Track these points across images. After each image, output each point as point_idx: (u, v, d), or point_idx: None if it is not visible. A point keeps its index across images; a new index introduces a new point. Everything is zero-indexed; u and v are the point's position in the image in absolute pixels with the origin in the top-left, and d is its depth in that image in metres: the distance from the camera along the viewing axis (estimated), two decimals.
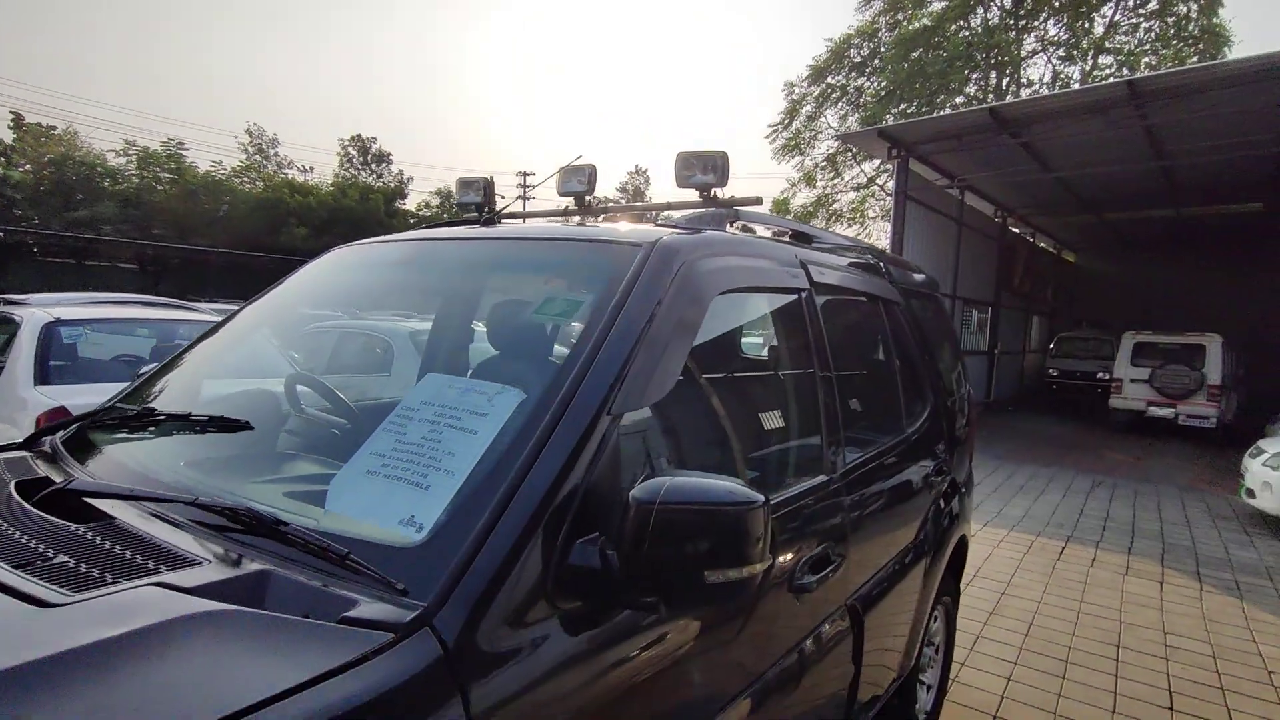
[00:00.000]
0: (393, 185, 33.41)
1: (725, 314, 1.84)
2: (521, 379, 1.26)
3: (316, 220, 24.45)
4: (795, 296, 1.85)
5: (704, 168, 1.84)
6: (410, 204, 33.14)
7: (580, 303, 1.39)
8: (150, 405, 1.56)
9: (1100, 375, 14.72)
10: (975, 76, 22.21)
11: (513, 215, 2.29)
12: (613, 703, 1.06)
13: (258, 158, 32.76)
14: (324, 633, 0.83)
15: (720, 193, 1.91)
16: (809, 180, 25.12)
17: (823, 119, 24.39)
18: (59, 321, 3.98)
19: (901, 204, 11.32)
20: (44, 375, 3.66)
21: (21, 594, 0.83)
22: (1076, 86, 18.35)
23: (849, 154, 22.89)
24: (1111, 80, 12.14)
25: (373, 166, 36.44)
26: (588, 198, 2.13)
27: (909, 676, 2.41)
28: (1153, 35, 20.51)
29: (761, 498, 1.01)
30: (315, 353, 4.74)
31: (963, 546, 3.01)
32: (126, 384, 1.84)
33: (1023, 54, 21.85)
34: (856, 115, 23.39)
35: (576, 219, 2.19)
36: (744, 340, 2.51)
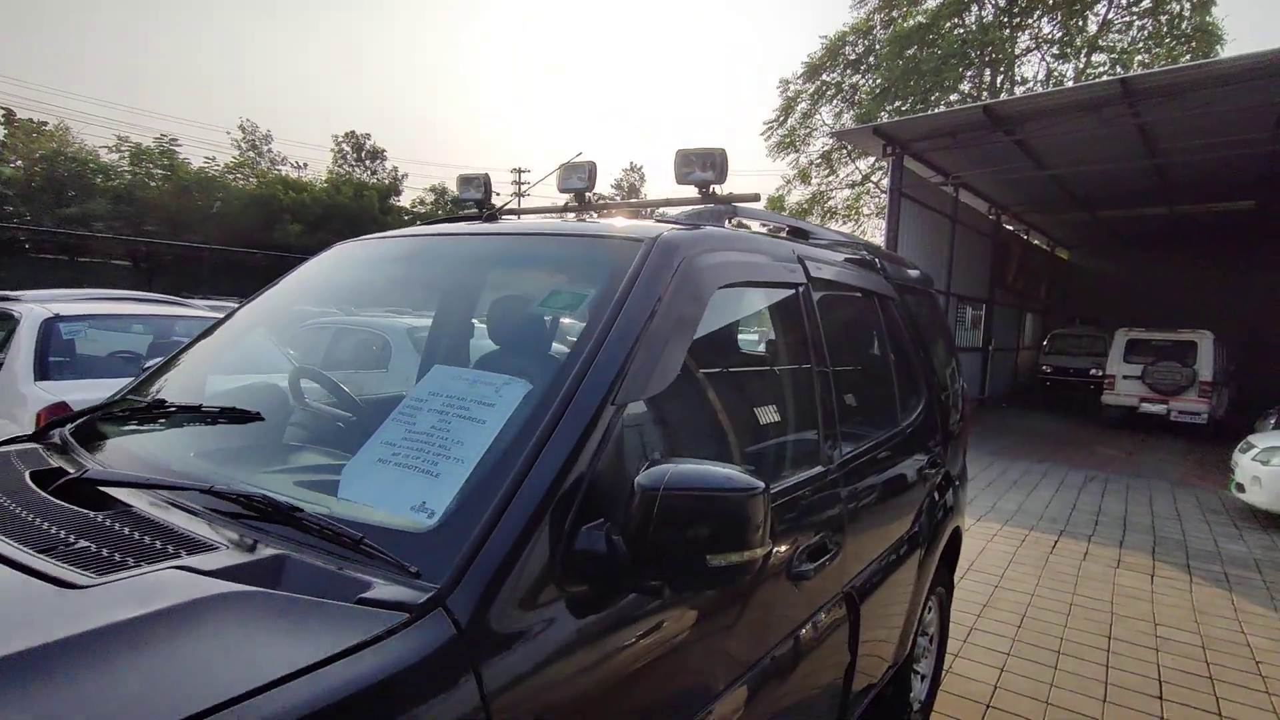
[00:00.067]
0: (387, 182, 33.33)
1: (725, 308, 1.87)
2: (524, 373, 1.28)
3: (310, 217, 24.40)
4: (793, 291, 1.88)
5: (703, 165, 1.87)
6: (405, 200, 33.12)
7: (584, 297, 1.42)
8: (160, 398, 1.58)
9: (1093, 372, 14.81)
10: (969, 74, 22.29)
11: (514, 211, 2.32)
12: (619, 683, 1.09)
13: (251, 154, 32.62)
14: (342, 613, 0.86)
15: (719, 189, 1.94)
16: (804, 177, 25.17)
17: (818, 116, 24.47)
18: (58, 317, 3.98)
19: (896, 201, 11.37)
20: (44, 371, 3.67)
21: (49, 576, 0.86)
22: (1070, 84, 18.42)
23: (844, 151, 22.93)
24: (1105, 78, 12.18)
25: (367, 163, 36.33)
26: (587, 194, 2.16)
27: (904, 665, 2.46)
28: (1146, 33, 20.59)
29: (761, 485, 1.04)
30: (313, 349, 4.75)
31: (957, 538, 3.06)
32: (130, 379, 1.86)
33: (1017, 52, 21.93)
34: (851, 113, 23.44)
35: (575, 215, 2.22)
36: (742, 334, 2.55)
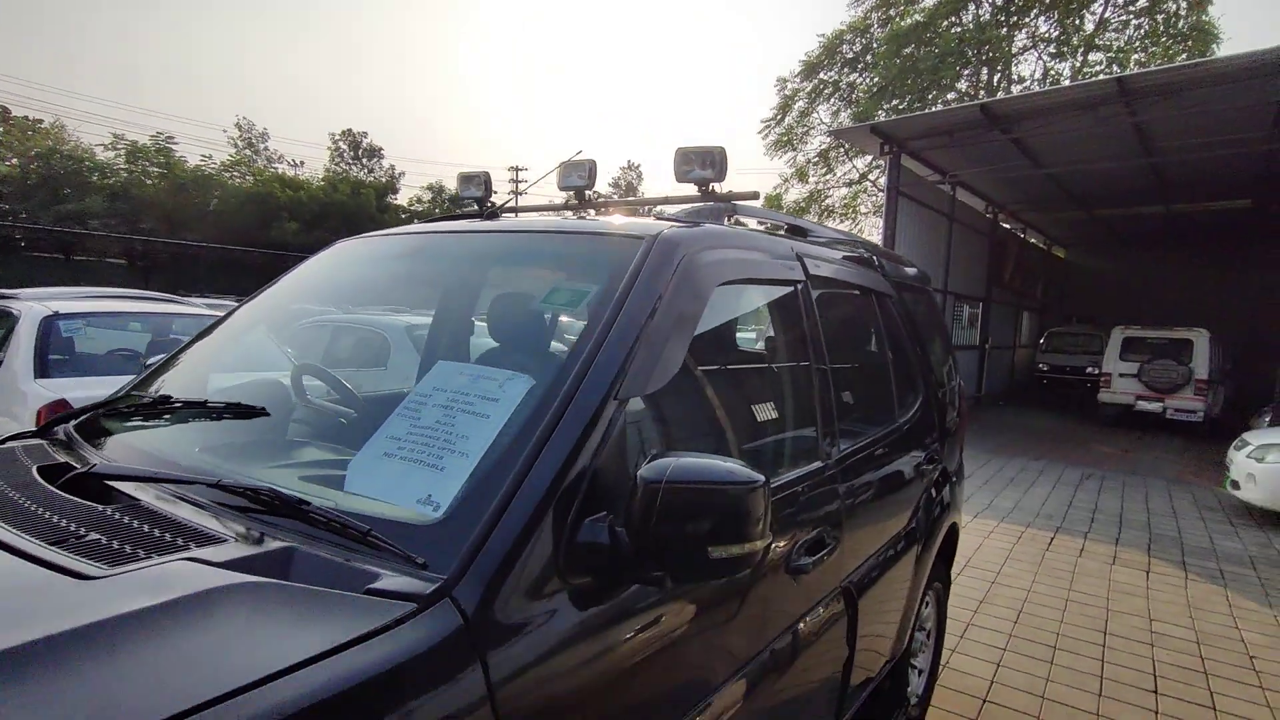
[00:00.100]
0: (384, 180, 33.28)
1: (725, 305, 1.88)
2: (525, 370, 1.30)
3: (307, 215, 24.35)
4: (792, 288, 1.90)
5: (703, 163, 1.89)
6: (402, 199, 33.06)
7: (586, 293, 1.43)
8: (165, 394, 1.59)
9: (1090, 370, 14.88)
10: (967, 73, 22.32)
11: (515, 209, 2.33)
12: (620, 673, 1.11)
13: (247, 152, 32.54)
14: (351, 602, 0.87)
15: (718, 187, 1.95)
16: (801, 176, 25.20)
17: (815, 114, 24.48)
18: (57, 315, 3.99)
19: (894, 200, 11.39)
20: (43, 368, 3.68)
21: (61, 568, 0.87)
22: (1067, 83, 18.45)
23: (841, 150, 22.95)
24: (1101, 77, 12.22)
25: (364, 161, 36.27)
26: (587, 192, 2.17)
27: (901, 660, 2.48)
28: (1142, 32, 20.65)
29: (762, 478, 1.05)
30: (312, 347, 4.76)
31: (953, 534, 3.08)
32: (129, 376, 1.87)
33: (1014, 50, 21.97)
34: (849, 111, 23.46)
35: (575, 213, 2.23)
36: (742, 331, 2.56)
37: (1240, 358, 14.73)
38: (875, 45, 22.93)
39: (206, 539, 0.99)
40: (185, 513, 1.09)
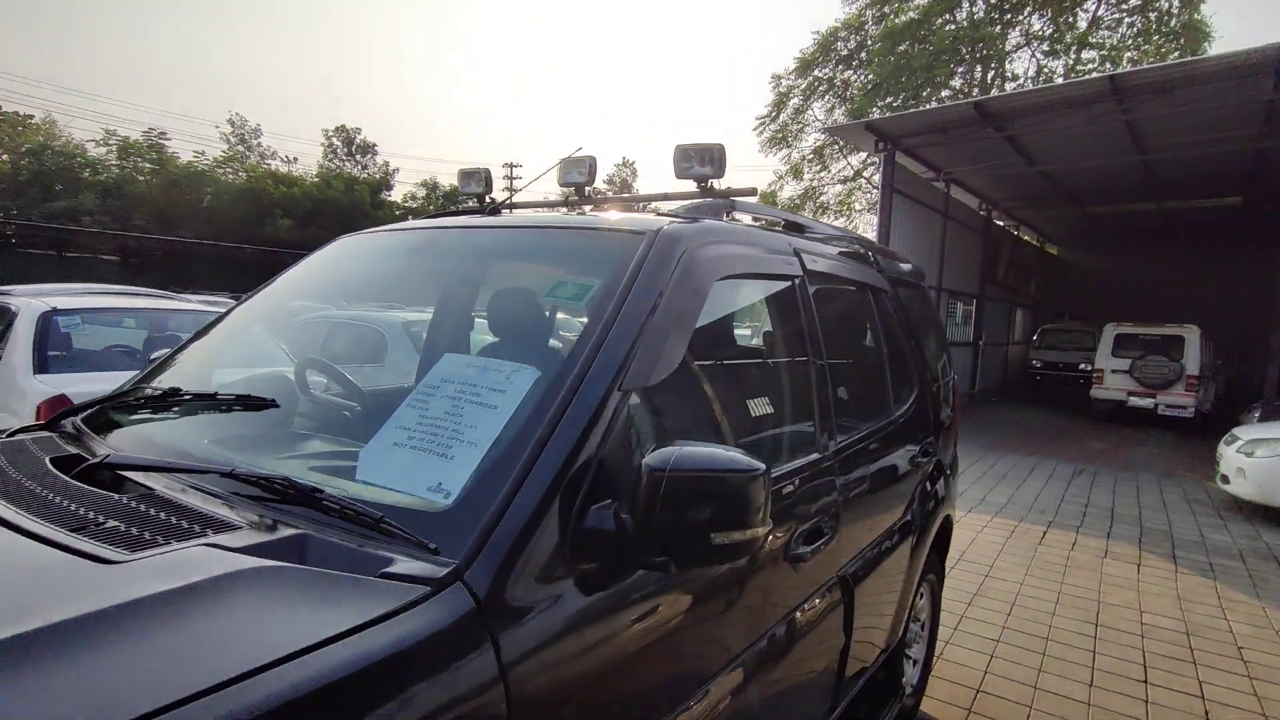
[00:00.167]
0: (378, 176, 33.18)
1: (724, 299, 1.91)
2: (529, 362, 1.32)
3: (301, 211, 24.27)
4: (789, 284, 1.93)
5: (702, 160, 1.91)
6: (396, 195, 32.97)
7: (589, 287, 1.46)
8: (172, 387, 1.61)
9: (1082, 366, 14.99)
10: (961, 70, 22.37)
11: (516, 205, 2.35)
12: (625, 656, 1.13)
13: (240, 148, 32.42)
14: (366, 586, 0.90)
15: (717, 184, 1.98)
16: (796, 173, 25.24)
17: (810, 112, 24.50)
18: (56, 311, 3.99)
19: (888, 197, 11.43)
20: (43, 364, 3.69)
21: (83, 553, 0.90)
22: (1060, 81, 18.54)
23: (836, 147, 23.00)
24: (1094, 75, 12.29)
25: (357, 157, 36.16)
26: (587, 188, 2.20)
27: (896, 650, 2.51)
28: (1135, 30, 20.75)
29: (763, 466, 1.09)
30: (309, 343, 4.76)
31: (948, 526, 3.12)
32: (129, 372, 1.88)
33: (1007, 48, 22.04)
34: (843, 108, 23.49)
35: (575, 208, 2.25)
36: (740, 325, 2.59)
37: (1232, 354, 14.85)
38: (870, 42, 22.96)
39: (223, 526, 1.02)
40: (200, 501, 1.11)
